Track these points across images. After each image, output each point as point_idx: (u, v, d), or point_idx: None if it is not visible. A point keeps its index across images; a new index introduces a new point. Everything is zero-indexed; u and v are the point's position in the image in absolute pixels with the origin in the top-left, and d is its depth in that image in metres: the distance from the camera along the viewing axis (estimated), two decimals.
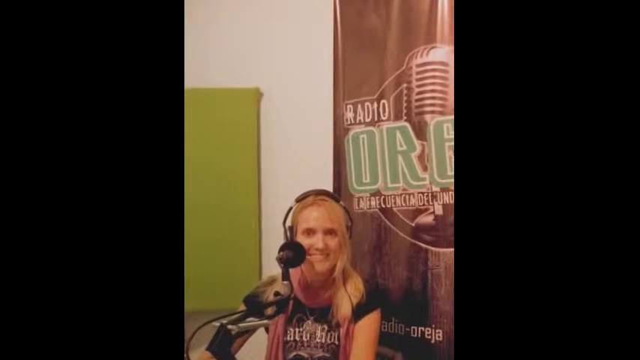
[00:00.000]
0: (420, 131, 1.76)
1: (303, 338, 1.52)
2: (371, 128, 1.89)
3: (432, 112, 1.73)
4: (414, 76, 1.77)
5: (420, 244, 1.76)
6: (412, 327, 1.76)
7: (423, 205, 1.75)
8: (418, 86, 1.76)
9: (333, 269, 1.50)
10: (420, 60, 1.76)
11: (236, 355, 1.53)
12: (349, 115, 1.94)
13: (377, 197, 1.87)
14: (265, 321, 1.27)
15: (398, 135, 1.81)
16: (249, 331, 1.41)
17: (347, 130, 1.95)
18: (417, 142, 1.77)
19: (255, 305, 1.47)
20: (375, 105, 1.88)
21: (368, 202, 1.89)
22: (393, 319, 1.81)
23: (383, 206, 1.86)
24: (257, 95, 2.25)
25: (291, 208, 1.54)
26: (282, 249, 1.43)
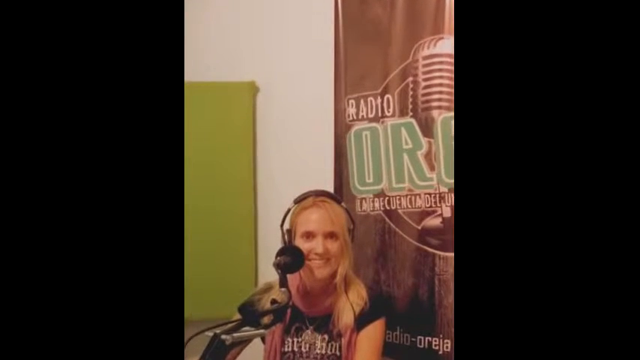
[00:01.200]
0: (427, 128, 1.75)
1: (302, 349, 1.52)
2: (374, 125, 1.88)
3: (440, 107, 1.72)
4: (421, 69, 1.76)
5: (427, 248, 1.75)
6: (418, 337, 1.76)
7: (430, 206, 1.75)
8: (425, 80, 1.76)
9: (334, 275, 1.50)
10: (426, 52, 1.75)
11: None
12: (351, 110, 1.94)
13: (381, 198, 1.87)
14: (261, 331, 1.27)
15: (403, 132, 1.81)
16: (245, 342, 1.40)
17: (349, 127, 1.95)
18: (423, 140, 1.77)
19: (250, 314, 1.46)
20: (379, 100, 1.87)
21: (371, 204, 1.89)
22: (398, 328, 1.80)
23: (387, 208, 1.85)
24: (253, 89, 2.24)
25: (289, 210, 1.54)
26: (279, 254, 1.43)
